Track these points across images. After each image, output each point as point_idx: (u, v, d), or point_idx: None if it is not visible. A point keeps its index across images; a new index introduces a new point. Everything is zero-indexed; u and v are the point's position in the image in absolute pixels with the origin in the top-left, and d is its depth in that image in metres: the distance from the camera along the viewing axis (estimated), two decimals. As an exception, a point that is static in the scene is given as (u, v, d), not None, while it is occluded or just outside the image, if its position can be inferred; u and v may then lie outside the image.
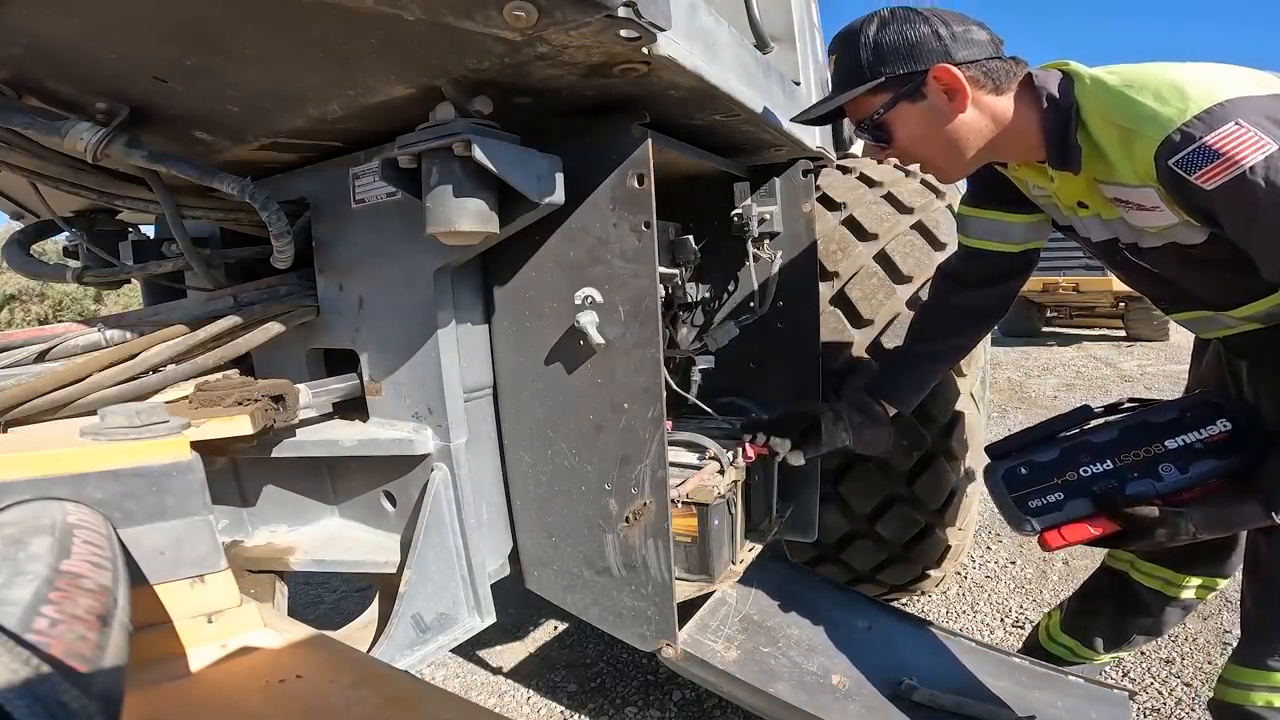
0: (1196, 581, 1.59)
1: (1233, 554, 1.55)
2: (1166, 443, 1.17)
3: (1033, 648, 1.81)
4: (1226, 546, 1.54)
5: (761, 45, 1.53)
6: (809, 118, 1.28)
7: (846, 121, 2.02)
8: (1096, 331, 9.93)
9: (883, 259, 1.96)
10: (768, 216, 1.69)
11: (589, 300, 1.21)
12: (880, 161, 2.21)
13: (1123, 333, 9.38)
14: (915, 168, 2.23)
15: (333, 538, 1.40)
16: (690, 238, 1.61)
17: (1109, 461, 1.20)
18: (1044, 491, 1.21)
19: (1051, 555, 2.84)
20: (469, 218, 1.01)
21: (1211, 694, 1.33)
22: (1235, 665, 1.29)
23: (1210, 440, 1.15)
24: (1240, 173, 0.91)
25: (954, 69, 1.07)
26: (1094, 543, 1.21)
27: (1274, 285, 1.04)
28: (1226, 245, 1.02)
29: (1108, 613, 1.70)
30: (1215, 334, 1.30)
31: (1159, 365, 7.22)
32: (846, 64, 1.15)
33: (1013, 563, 2.83)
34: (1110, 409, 1.33)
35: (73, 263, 1.52)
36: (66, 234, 1.57)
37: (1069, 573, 2.70)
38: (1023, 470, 1.25)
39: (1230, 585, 1.62)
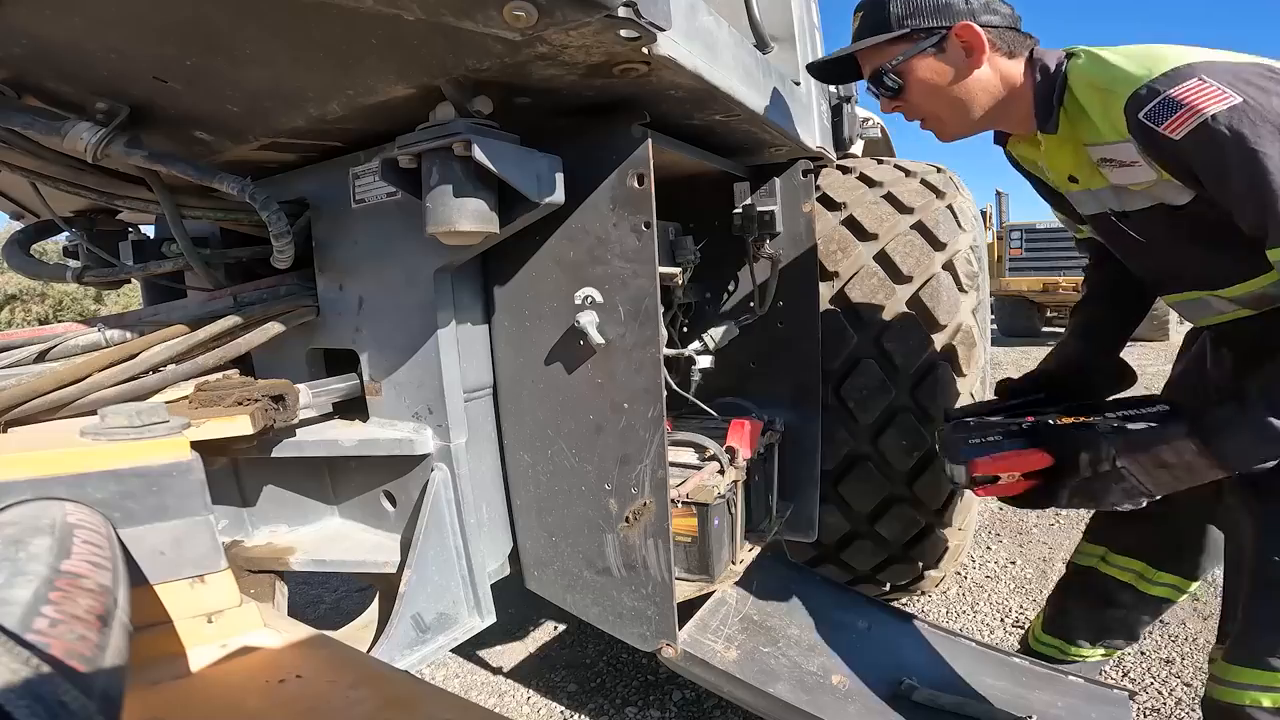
0: (1168, 579, 1.61)
1: (1202, 555, 1.58)
2: (1107, 414, 1.27)
3: (1026, 650, 1.82)
4: (1196, 545, 1.57)
5: (761, 45, 1.53)
6: (825, 63, 1.33)
7: (847, 121, 2.04)
8: (1097, 331, 9.92)
9: (883, 259, 1.96)
10: (768, 216, 1.68)
11: (589, 300, 1.21)
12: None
13: (1122, 332, 9.40)
14: (914, 166, 2.23)
15: (333, 538, 1.40)
16: (690, 238, 1.61)
17: (1050, 420, 1.28)
18: (984, 433, 1.29)
19: (1050, 555, 2.84)
20: (469, 218, 1.01)
21: (1204, 692, 1.33)
22: (1229, 664, 1.29)
23: (1147, 415, 1.25)
24: (1203, 120, 0.95)
25: (976, 27, 1.16)
26: (1020, 498, 1.24)
27: (1262, 266, 1.06)
28: (1211, 207, 1.05)
29: (1081, 610, 1.73)
30: (1207, 321, 1.32)
31: (1159, 365, 7.21)
32: (871, 17, 1.22)
33: (1013, 563, 2.83)
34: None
35: (73, 263, 1.51)
36: (66, 234, 1.57)
37: (1069, 573, 2.70)
38: (970, 422, 1.35)
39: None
